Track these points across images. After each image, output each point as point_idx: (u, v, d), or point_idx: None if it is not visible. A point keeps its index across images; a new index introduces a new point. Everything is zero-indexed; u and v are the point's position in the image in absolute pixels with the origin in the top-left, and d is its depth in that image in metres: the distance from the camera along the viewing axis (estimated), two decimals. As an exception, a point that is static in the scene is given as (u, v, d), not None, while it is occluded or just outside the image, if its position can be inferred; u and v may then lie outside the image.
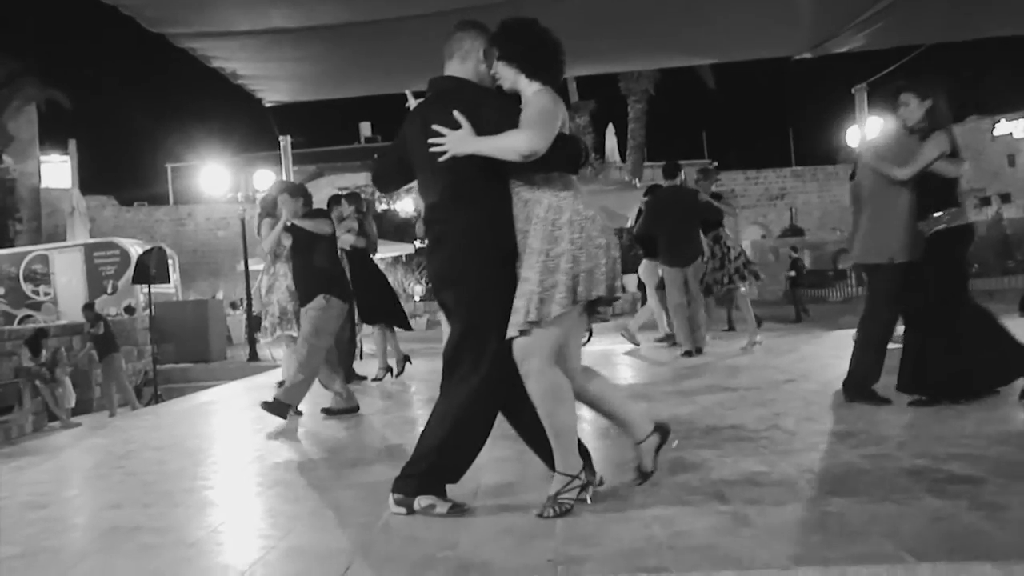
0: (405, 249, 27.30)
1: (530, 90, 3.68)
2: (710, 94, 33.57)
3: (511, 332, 3.56)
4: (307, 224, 6.69)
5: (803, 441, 4.71)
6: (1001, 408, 5.18)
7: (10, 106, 31.22)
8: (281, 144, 12.10)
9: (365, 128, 40.82)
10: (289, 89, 10.55)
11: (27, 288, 22.86)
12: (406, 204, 29.01)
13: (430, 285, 3.94)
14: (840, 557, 2.85)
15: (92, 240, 24.29)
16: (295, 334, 6.86)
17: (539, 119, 3.53)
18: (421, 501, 3.68)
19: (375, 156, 36.96)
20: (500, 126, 3.55)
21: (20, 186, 32.53)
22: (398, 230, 26.92)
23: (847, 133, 26.86)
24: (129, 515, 4.20)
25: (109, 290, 21.88)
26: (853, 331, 10.91)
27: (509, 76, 3.73)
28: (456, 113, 3.57)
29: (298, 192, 7.00)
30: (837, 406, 5.81)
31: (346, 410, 6.91)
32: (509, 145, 3.50)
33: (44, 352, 14.93)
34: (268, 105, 10.87)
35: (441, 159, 3.59)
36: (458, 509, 3.69)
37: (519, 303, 3.55)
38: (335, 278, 6.82)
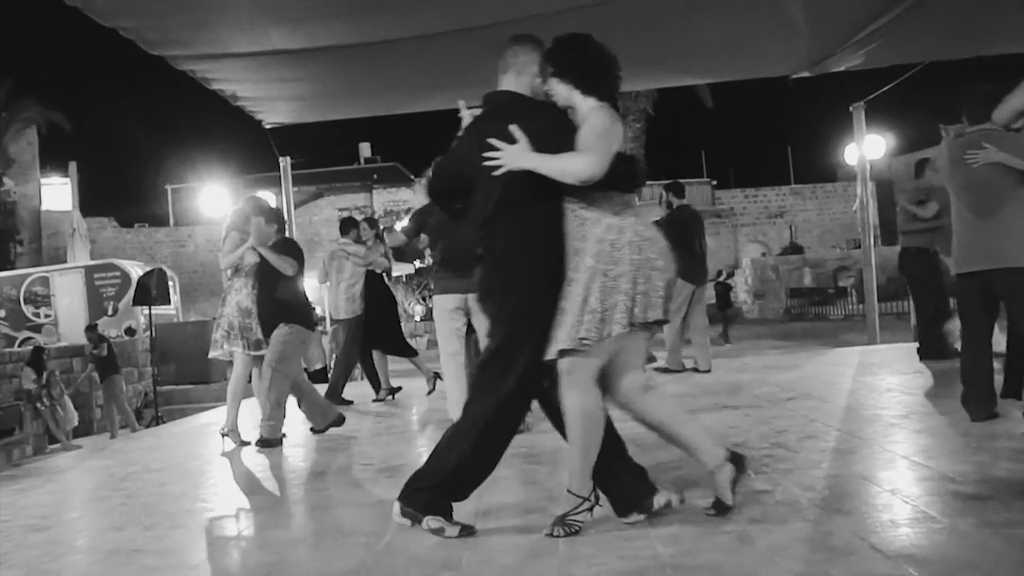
0: (405, 269, 27.34)
1: (585, 106, 3.63)
2: (708, 113, 33.68)
3: (560, 346, 3.52)
4: (272, 258, 6.63)
5: (806, 459, 4.70)
6: (1005, 424, 5.17)
7: (10, 128, 31.30)
8: (281, 165, 12.13)
9: (365, 149, 40.94)
10: (289, 111, 10.59)
11: (28, 310, 22.85)
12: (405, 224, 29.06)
13: (477, 295, 3.89)
14: (844, 575, 2.84)
15: (92, 262, 24.35)
16: (239, 350, 6.84)
17: (597, 142, 3.50)
18: (430, 522, 3.61)
19: (374, 177, 37.09)
20: (556, 143, 3.53)
21: (21, 208, 32.55)
22: (396, 250, 26.98)
23: (845, 151, 26.98)
24: (130, 537, 4.19)
25: (110, 312, 21.88)
26: (860, 348, 10.93)
27: (563, 92, 3.68)
28: (513, 128, 3.53)
29: (273, 218, 6.90)
30: (839, 423, 5.80)
31: (333, 423, 7.03)
32: (567, 169, 3.48)
33: (46, 371, 14.91)
34: (268, 127, 10.91)
35: (495, 173, 3.57)
36: (467, 531, 3.64)
37: (570, 319, 3.50)
38: (298, 309, 6.80)
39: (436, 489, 3.64)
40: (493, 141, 3.56)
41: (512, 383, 3.60)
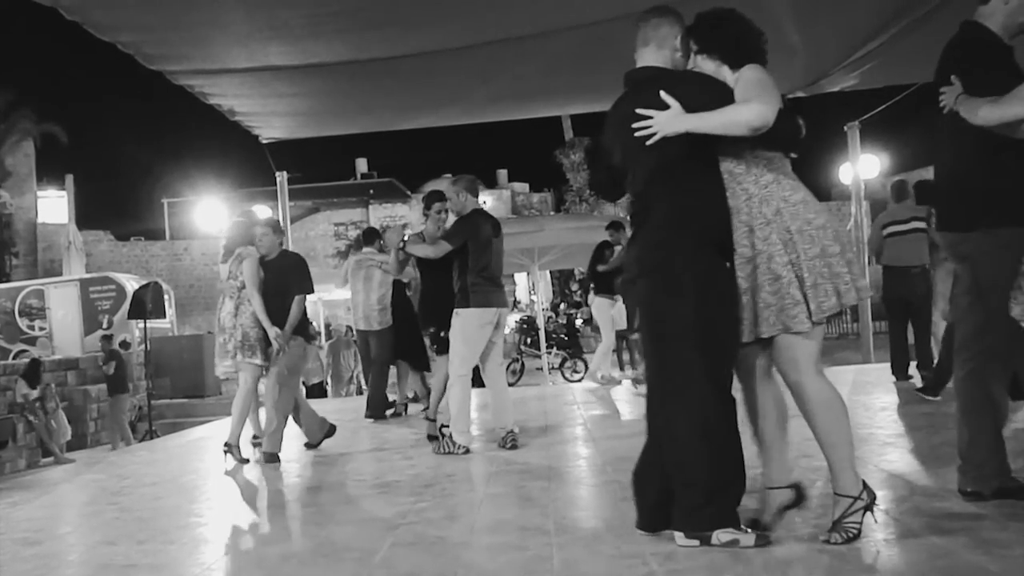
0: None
1: (733, 81, 3.46)
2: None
3: (769, 332, 3.39)
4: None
5: (800, 478, 4.68)
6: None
7: (7, 141, 31.33)
8: (277, 180, 12.15)
9: (361, 164, 40.99)
10: (286, 126, 10.63)
11: (22, 323, 22.77)
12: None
13: (631, 275, 3.65)
14: (839, 594, 2.84)
15: (88, 275, 24.23)
16: (258, 362, 6.82)
17: (762, 90, 3.30)
18: (720, 536, 3.34)
19: (371, 192, 37.04)
20: (705, 98, 3.34)
21: (17, 220, 32.55)
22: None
23: (840, 170, 27.06)
24: (123, 552, 4.18)
25: (105, 325, 21.80)
26: (855, 367, 10.92)
27: (710, 69, 3.54)
28: (663, 93, 3.33)
29: (278, 229, 7.15)
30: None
31: (326, 435, 7.19)
32: (736, 119, 3.26)
33: (40, 384, 14.86)
34: (265, 142, 10.95)
35: (649, 142, 3.36)
36: (763, 539, 3.37)
37: (777, 301, 3.36)
38: (302, 323, 6.98)
39: (712, 501, 3.38)
40: (641, 111, 3.37)
41: (712, 360, 3.39)
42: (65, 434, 15.12)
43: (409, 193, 36.01)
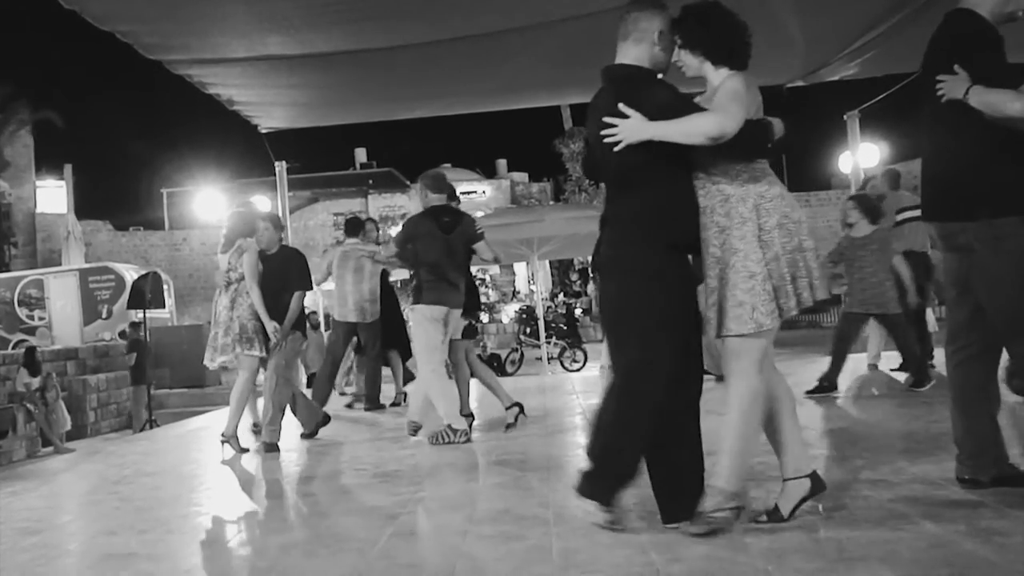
0: (399, 275, 27.27)
1: (717, 77, 3.52)
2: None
3: (720, 332, 3.45)
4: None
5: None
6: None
7: (6, 131, 31.25)
8: (276, 170, 12.12)
9: (360, 154, 40.84)
10: (285, 116, 10.61)
11: (22, 313, 22.80)
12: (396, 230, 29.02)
13: (599, 270, 3.74)
14: (837, 583, 2.85)
15: (87, 265, 24.24)
16: (256, 354, 6.79)
17: (730, 102, 3.36)
18: (587, 506, 3.54)
19: (370, 182, 36.95)
20: (667, 107, 3.40)
21: (16, 211, 32.50)
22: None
23: (839, 159, 27.06)
24: (123, 542, 4.19)
25: (104, 315, 21.83)
26: (853, 356, 10.90)
27: (693, 64, 3.57)
28: (621, 105, 3.43)
29: (279, 225, 7.22)
30: (831, 431, 5.81)
31: (321, 423, 7.24)
32: (696, 128, 3.34)
33: (41, 373, 14.88)
34: (264, 131, 10.92)
35: (615, 149, 3.45)
36: (616, 524, 3.53)
37: (740, 298, 3.39)
38: (300, 316, 7.02)
39: (603, 477, 3.54)
40: (607, 119, 3.46)
41: (667, 360, 3.46)
42: (65, 424, 15.13)
43: (408, 183, 35.90)
